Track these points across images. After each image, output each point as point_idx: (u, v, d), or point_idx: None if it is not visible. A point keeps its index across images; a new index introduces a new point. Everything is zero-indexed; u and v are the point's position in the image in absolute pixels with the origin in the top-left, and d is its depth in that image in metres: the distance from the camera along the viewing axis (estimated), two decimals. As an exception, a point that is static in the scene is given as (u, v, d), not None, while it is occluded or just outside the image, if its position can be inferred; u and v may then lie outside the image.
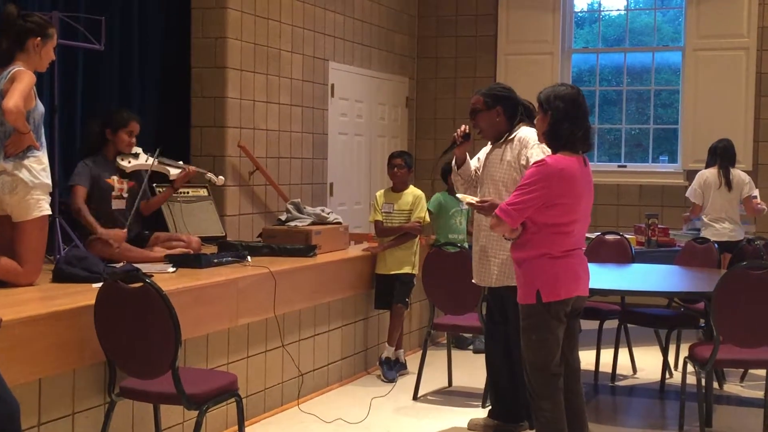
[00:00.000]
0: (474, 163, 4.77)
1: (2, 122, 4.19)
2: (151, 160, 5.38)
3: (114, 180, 5.28)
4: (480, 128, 4.61)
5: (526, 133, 4.48)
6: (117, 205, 5.29)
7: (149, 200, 5.58)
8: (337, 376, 5.84)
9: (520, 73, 8.96)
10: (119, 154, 5.34)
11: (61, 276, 4.36)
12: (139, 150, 5.41)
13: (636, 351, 6.38)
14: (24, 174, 4.20)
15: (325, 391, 5.65)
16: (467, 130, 4.63)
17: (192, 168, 5.61)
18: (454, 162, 4.76)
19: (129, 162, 5.34)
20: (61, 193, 5.19)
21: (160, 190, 5.85)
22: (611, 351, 6.05)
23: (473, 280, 4.73)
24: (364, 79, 8.54)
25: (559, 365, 3.96)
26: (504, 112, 4.55)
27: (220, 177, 5.89)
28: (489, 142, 4.70)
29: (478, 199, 4.22)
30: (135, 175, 5.39)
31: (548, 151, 4.29)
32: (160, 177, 5.62)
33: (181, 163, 5.64)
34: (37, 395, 3.56)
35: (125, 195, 5.32)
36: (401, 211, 6.03)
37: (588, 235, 4.90)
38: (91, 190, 5.19)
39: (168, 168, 5.53)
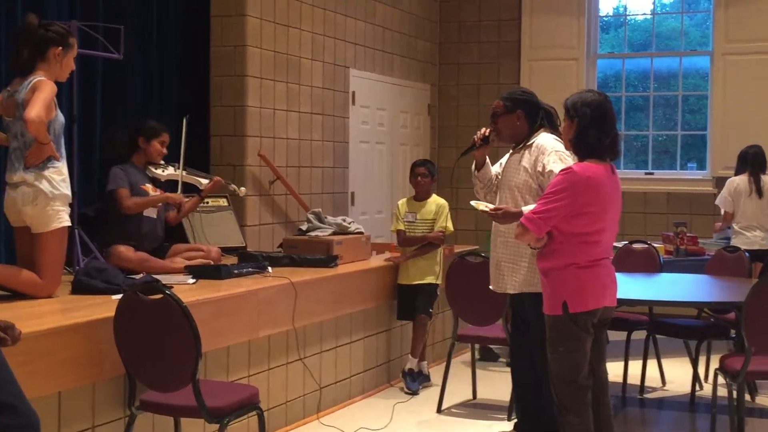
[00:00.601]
0: (495, 168, 4.73)
1: (23, 133, 4.19)
2: (179, 171, 5.43)
3: (149, 188, 5.31)
4: (499, 132, 4.57)
5: (544, 140, 4.43)
6: (148, 213, 5.30)
7: (179, 209, 5.56)
8: (360, 389, 5.78)
9: (545, 79, 8.89)
10: (149, 163, 5.35)
11: (80, 288, 4.35)
12: (163, 162, 5.47)
13: (665, 362, 6.29)
14: (44, 185, 4.19)
15: (348, 404, 5.61)
16: (487, 133, 4.59)
17: (219, 178, 5.64)
18: (473, 165, 4.70)
19: (163, 171, 5.41)
20: (80, 203, 5.17)
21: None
22: (639, 362, 5.97)
23: (490, 287, 4.65)
24: (386, 86, 8.49)
25: (587, 378, 3.91)
26: (524, 115, 4.52)
27: (242, 188, 5.92)
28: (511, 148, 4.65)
29: (492, 206, 4.20)
30: (162, 185, 5.42)
31: (566, 158, 4.26)
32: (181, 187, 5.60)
33: (206, 174, 5.70)
34: (56, 408, 3.54)
35: (159, 204, 5.33)
36: (424, 221, 5.97)
37: (615, 244, 4.84)
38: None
39: (198, 178, 5.57)
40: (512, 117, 4.52)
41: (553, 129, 4.50)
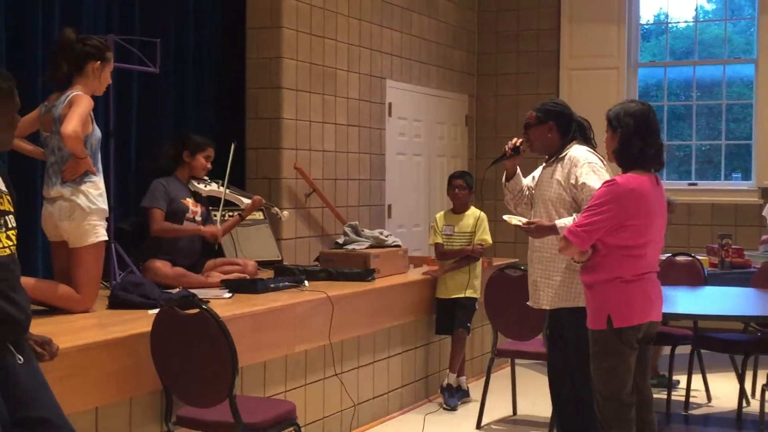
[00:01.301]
0: (528, 180, 4.68)
1: (60, 147, 4.20)
2: (222, 188, 5.42)
3: (189, 202, 5.30)
4: (531, 142, 4.53)
5: (577, 152, 4.37)
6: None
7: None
8: (398, 404, 5.72)
9: (585, 89, 8.80)
10: (193, 177, 5.34)
11: (117, 302, 4.37)
12: (206, 178, 5.47)
13: (710, 378, 6.16)
14: (81, 199, 4.20)
15: (386, 420, 5.55)
16: (518, 143, 4.54)
17: (260, 198, 5.62)
18: (504, 176, 4.66)
19: (205, 186, 5.40)
20: (116, 217, 5.17)
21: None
22: (684, 378, 5.85)
23: (528, 303, 4.59)
24: (423, 97, 8.44)
25: (631, 394, 3.84)
26: (556, 127, 4.45)
27: (285, 212, 5.86)
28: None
29: (525, 220, 4.17)
30: (203, 200, 5.43)
31: (599, 169, 4.26)
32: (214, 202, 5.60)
33: (247, 193, 5.70)
34: (94, 424, 3.54)
35: (198, 219, 5.32)
36: (462, 233, 5.90)
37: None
38: (166, 211, 5.20)
39: (240, 197, 5.57)
40: (544, 128, 4.46)
41: (586, 141, 4.44)
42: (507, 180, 4.65)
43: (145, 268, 5.05)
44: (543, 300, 4.46)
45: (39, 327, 3.06)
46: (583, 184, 4.21)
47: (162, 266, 5.02)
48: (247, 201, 5.57)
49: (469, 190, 5.98)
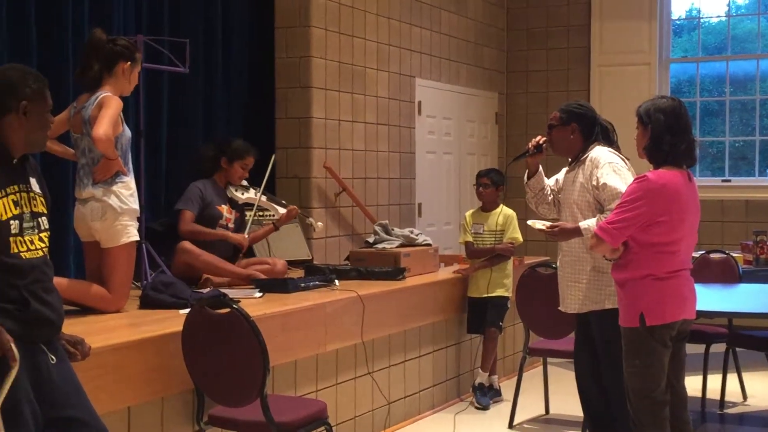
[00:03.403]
0: (551, 182, 4.67)
1: (90, 149, 4.23)
2: (258, 195, 5.42)
3: (224, 209, 5.30)
4: (553, 143, 4.52)
5: (598, 153, 4.35)
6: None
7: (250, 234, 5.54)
8: (429, 403, 5.70)
9: (616, 85, 8.73)
10: (231, 184, 5.33)
11: (148, 302, 4.38)
12: (244, 182, 5.45)
13: (746, 376, 6.09)
14: (112, 200, 4.22)
15: (417, 419, 5.53)
16: (541, 141, 4.53)
17: (295, 207, 5.61)
18: (526, 174, 4.65)
19: (242, 194, 5.39)
20: (147, 217, 5.20)
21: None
22: (719, 376, 5.80)
23: (559, 308, 4.56)
24: (452, 95, 8.41)
25: (665, 393, 3.80)
26: (579, 129, 4.44)
27: (320, 223, 5.85)
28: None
29: (548, 224, 4.17)
30: (239, 206, 5.43)
31: (620, 169, 4.23)
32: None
33: (284, 202, 5.68)
34: (126, 423, 3.55)
35: (231, 225, 5.33)
36: (491, 231, 5.87)
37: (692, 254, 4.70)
38: (200, 215, 5.20)
39: (275, 206, 5.56)
40: (566, 130, 4.45)
41: (609, 144, 4.41)
42: (529, 178, 4.65)
43: (175, 251, 5.06)
44: (571, 304, 4.45)
45: (71, 327, 3.08)
46: (604, 184, 4.20)
47: (193, 247, 5.04)
48: (282, 210, 5.55)
49: (496, 187, 5.95)
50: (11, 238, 2.65)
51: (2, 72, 2.79)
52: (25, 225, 2.70)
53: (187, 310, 3.88)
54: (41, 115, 2.78)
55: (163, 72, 5.60)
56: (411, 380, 5.50)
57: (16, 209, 2.68)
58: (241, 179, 5.38)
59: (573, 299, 4.43)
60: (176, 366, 3.71)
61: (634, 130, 3.91)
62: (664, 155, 3.76)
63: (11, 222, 2.65)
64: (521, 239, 5.98)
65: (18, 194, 2.71)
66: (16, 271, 2.64)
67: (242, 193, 5.40)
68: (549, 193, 4.65)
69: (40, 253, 2.74)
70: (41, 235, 2.76)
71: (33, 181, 2.79)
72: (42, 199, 2.82)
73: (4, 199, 2.66)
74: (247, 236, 5.35)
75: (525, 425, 5.44)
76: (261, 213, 5.88)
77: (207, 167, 5.35)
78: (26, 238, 2.70)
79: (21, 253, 2.67)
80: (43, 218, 2.79)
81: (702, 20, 9.38)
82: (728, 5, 9.24)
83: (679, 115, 3.78)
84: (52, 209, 2.90)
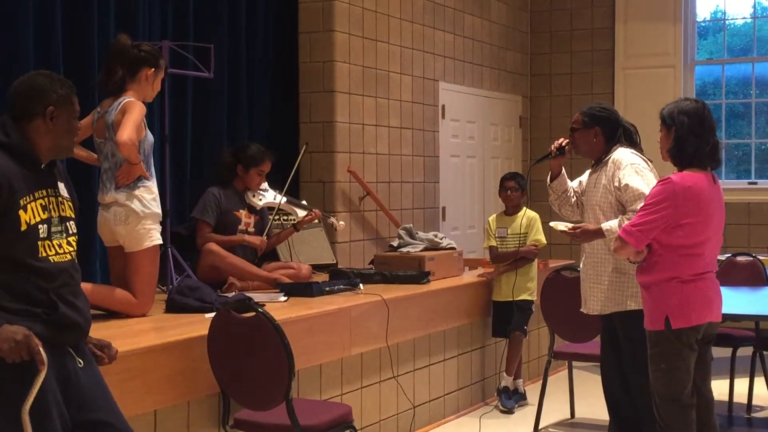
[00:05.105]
0: (574, 184, 4.67)
1: (113, 153, 4.25)
2: (278, 198, 5.41)
3: (242, 214, 5.32)
4: (576, 145, 4.52)
5: (620, 155, 4.35)
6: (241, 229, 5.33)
7: (270, 238, 5.55)
8: (454, 407, 5.69)
9: (640, 88, 8.68)
10: (249, 189, 5.35)
11: (173, 306, 4.40)
12: (265, 185, 5.42)
13: (773, 380, 6.00)
14: (135, 204, 4.23)
15: (442, 423, 5.53)
16: (563, 144, 4.52)
17: (318, 211, 5.61)
18: (549, 176, 4.65)
19: (260, 200, 5.38)
20: (172, 222, 5.22)
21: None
22: (746, 380, 5.72)
23: (581, 309, 4.54)
24: (476, 98, 8.40)
25: (691, 396, 3.79)
26: (602, 132, 4.44)
27: (341, 222, 5.85)
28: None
29: (571, 225, 4.18)
30: (259, 211, 5.43)
31: (642, 170, 4.22)
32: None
33: (305, 203, 5.68)
34: (152, 427, 3.57)
35: (251, 230, 5.34)
36: (515, 235, 5.85)
37: (718, 257, 4.67)
38: (218, 221, 5.21)
39: (295, 209, 5.56)
40: (589, 133, 4.45)
41: (632, 146, 4.40)
42: (551, 180, 4.65)
43: (204, 251, 5.07)
44: (593, 305, 4.44)
45: (98, 331, 3.10)
46: (626, 185, 4.20)
47: (218, 249, 5.06)
48: (302, 213, 5.54)
49: (521, 191, 5.94)
50: (39, 242, 2.67)
51: (30, 78, 2.81)
52: (53, 229, 2.72)
53: (212, 314, 3.90)
54: (69, 121, 2.80)
55: (187, 77, 5.63)
56: (436, 384, 5.50)
57: (44, 213, 2.71)
58: (259, 186, 5.36)
59: (595, 300, 4.42)
60: (202, 370, 3.72)
61: (658, 132, 3.89)
62: (688, 157, 3.75)
63: (40, 226, 2.68)
64: (545, 241, 5.95)
65: (46, 198, 2.73)
66: (44, 275, 2.66)
67: (260, 199, 5.38)
68: (572, 195, 4.65)
69: (68, 257, 2.77)
70: (69, 239, 2.79)
71: (61, 186, 2.82)
72: (70, 203, 2.84)
73: (33, 204, 2.68)
74: (265, 239, 5.36)
75: (550, 429, 5.41)
76: (285, 217, 5.89)
77: (225, 174, 5.35)
78: (54, 242, 2.72)
79: (49, 257, 2.69)
80: (71, 222, 2.82)
81: (727, 22, 9.31)
82: (753, 6, 9.15)
83: (702, 117, 3.77)
84: (78, 214, 2.92)
